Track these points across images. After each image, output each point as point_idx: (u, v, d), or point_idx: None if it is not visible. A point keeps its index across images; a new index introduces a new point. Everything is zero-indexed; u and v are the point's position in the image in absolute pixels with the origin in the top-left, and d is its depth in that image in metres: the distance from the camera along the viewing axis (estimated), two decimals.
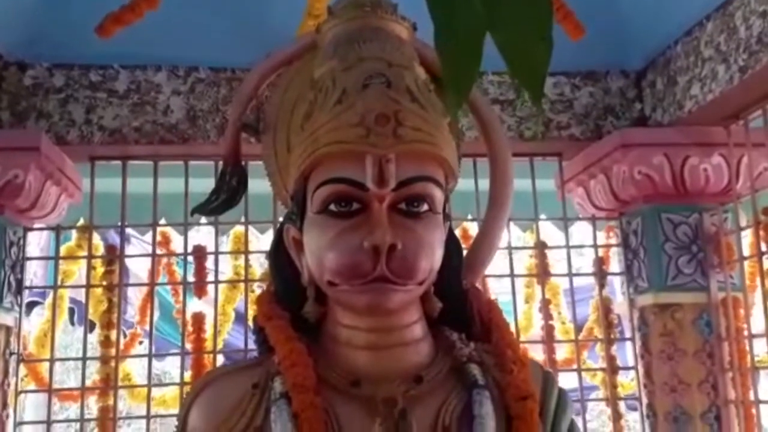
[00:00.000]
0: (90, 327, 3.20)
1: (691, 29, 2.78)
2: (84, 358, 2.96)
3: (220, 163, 1.49)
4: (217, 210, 1.54)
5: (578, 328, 3.49)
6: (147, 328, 3.46)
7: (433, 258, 1.25)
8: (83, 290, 3.16)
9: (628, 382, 3.63)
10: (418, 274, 1.21)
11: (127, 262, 3.19)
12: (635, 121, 3.11)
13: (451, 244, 1.38)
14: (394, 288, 1.20)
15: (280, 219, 1.44)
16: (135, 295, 4.43)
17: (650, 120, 3.08)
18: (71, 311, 5.52)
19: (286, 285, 1.37)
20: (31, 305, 4.77)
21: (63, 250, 3.60)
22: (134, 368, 3.89)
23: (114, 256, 2.98)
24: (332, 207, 1.23)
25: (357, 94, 1.24)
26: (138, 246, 5.17)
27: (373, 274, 1.18)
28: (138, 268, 4.90)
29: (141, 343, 4.17)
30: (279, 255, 1.38)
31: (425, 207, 1.24)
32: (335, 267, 1.20)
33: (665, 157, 2.91)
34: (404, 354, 1.29)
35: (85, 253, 3.08)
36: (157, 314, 3.52)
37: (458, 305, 1.39)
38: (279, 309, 1.35)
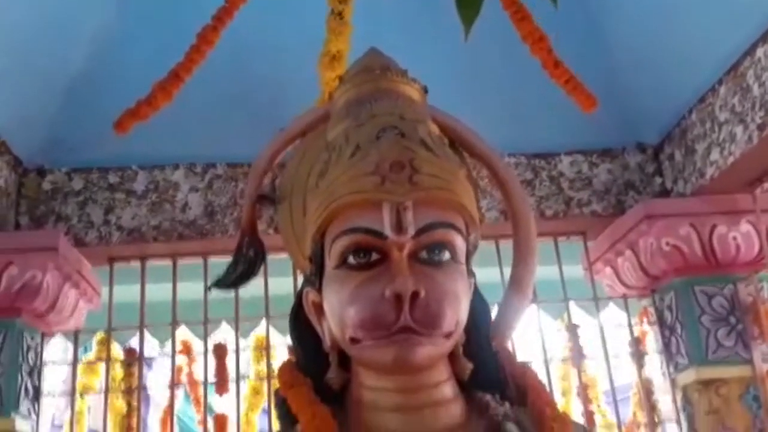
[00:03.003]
0: None
1: (703, 96, 2.78)
2: None
3: None
4: (236, 283, 1.49)
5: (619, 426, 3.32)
6: None
7: (458, 308, 1.18)
8: (102, 420, 3.01)
9: None
10: (443, 323, 1.15)
11: (148, 388, 3.12)
12: (657, 195, 3.07)
13: (478, 302, 1.32)
14: (419, 339, 1.13)
15: None
16: (154, 423, 4.34)
17: (672, 192, 3.04)
18: None
19: (308, 353, 1.30)
20: None
21: (82, 363, 3.55)
22: None
23: (133, 359, 2.91)
24: (351, 259, 1.18)
25: (371, 145, 1.22)
26: (158, 363, 5.09)
27: (396, 325, 1.12)
28: (157, 393, 4.83)
29: None
30: (299, 322, 1.32)
31: (447, 255, 1.19)
32: (357, 320, 1.14)
33: (692, 227, 2.84)
34: (435, 415, 1.21)
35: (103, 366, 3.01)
36: None
37: (489, 368, 1.31)
38: (301, 377, 1.29)
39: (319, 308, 1.26)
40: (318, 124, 1.43)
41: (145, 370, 5.13)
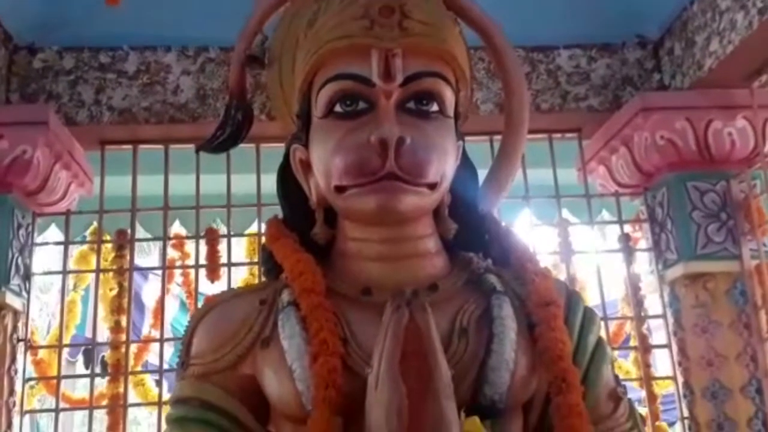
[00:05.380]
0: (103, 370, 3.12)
1: None
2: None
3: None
4: (223, 146, 1.49)
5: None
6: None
7: (444, 160, 1.18)
8: (97, 330, 3.03)
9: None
10: (428, 173, 1.14)
11: (141, 294, 3.10)
12: (655, 91, 3.03)
13: (466, 166, 1.32)
14: (404, 187, 1.14)
15: None
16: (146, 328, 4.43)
17: (670, 88, 3.00)
18: (87, 353, 5.47)
19: (294, 210, 1.32)
20: None
21: (75, 255, 3.56)
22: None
23: (124, 241, 2.92)
24: (338, 108, 1.18)
25: None
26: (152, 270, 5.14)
27: (381, 172, 1.12)
28: (149, 298, 4.88)
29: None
30: (286, 180, 1.33)
31: (435, 107, 1.19)
32: (342, 166, 1.14)
33: (688, 122, 2.82)
34: (418, 265, 1.22)
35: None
36: (171, 351, 3.44)
37: (474, 230, 1.32)
38: (287, 231, 1.30)
39: (306, 165, 1.26)
40: None
41: (139, 280, 5.19)
